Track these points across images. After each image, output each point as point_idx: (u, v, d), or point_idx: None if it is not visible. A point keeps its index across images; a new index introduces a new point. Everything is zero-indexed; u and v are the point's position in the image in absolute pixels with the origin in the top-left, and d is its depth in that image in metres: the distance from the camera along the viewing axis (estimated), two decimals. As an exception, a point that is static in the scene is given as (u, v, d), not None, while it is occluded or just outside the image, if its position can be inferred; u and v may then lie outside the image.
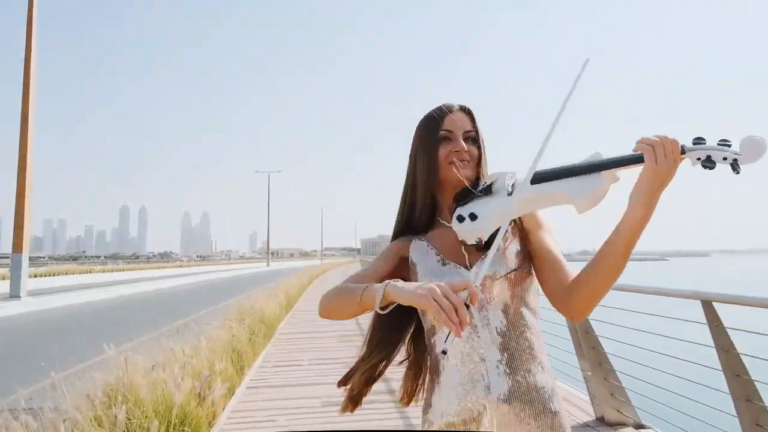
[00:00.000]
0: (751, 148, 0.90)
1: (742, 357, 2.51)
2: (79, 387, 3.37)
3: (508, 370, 1.09)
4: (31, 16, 15.85)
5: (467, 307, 0.89)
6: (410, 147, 1.27)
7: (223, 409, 4.33)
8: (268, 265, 65.81)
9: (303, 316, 11.31)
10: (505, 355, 1.09)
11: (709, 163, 0.92)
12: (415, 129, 1.26)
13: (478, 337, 1.11)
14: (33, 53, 15.84)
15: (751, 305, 2.36)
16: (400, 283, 1.02)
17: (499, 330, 1.10)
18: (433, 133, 1.20)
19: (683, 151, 0.94)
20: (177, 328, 6.37)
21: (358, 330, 8.48)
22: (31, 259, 21.08)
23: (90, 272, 41.43)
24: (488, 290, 1.11)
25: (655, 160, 0.93)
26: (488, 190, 1.14)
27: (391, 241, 1.30)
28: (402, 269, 1.24)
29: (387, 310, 1.03)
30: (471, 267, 1.15)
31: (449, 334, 0.89)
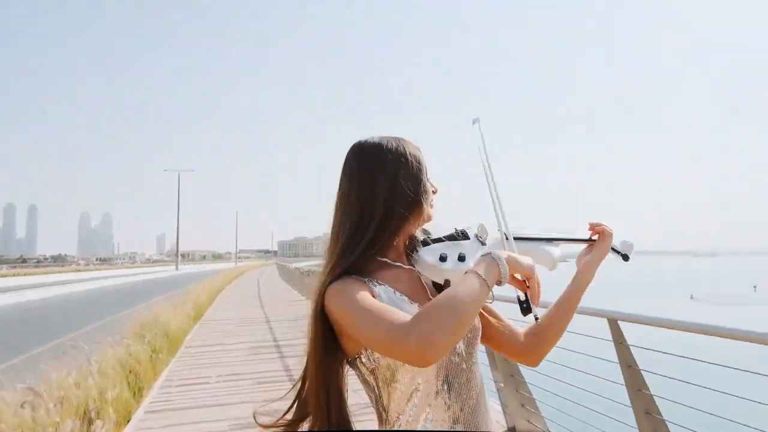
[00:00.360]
0: (629, 248, 1.24)
1: (643, 373, 2.63)
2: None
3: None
4: None
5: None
6: (379, 164, 1.11)
7: (116, 440, 3.89)
8: (177, 268, 62.29)
9: (213, 326, 10.72)
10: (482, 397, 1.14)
11: (626, 258, 1.25)
12: (390, 147, 1.12)
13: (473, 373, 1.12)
14: None
15: (652, 324, 2.48)
16: (504, 253, 1.03)
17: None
18: (420, 164, 1.14)
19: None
20: (63, 347, 5.70)
21: (270, 339, 8.15)
22: None
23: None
24: (465, 341, 1.11)
25: (607, 245, 1.22)
26: (464, 236, 1.18)
27: (337, 277, 1.06)
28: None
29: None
30: None
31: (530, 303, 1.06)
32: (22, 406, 2.90)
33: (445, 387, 1.06)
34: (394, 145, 1.13)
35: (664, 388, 2.67)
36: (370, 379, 1.07)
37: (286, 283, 24.18)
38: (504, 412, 4.08)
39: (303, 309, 11.82)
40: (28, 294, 22.09)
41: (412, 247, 1.17)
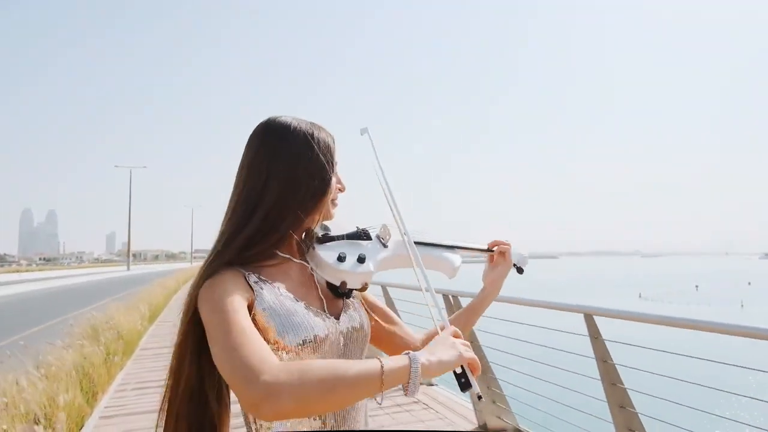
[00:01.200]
0: (524, 261, 1.30)
1: (617, 367, 2.66)
2: None
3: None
4: None
5: None
6: (282, 146, 1.00)
7: (68, 448, 3.65)
8: (128, 268, 59.86)
9: (169, 327, 10.33)
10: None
11: (520, 271, 1.30)
12: (298, 129, 1.02)
13: None
14: None
15: (627, 319, 2.51)
16: (426, 352, 0.86)
17: None
18: (330, 156, 1.04)
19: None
20: (7, 350, 5.33)
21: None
22: None
23: None
24: (354, 343, 1.04)
25: (510, 262, 1.26)
26: (366, 236, 1.12)
27: (216, 269, 0.94)
28: None
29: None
30: (333, 315, 1.02)
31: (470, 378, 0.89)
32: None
33: None
34: (305, 128, 1.02)
35: (636, 381, 2.71)
36: None
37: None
38: (474, 409, 4.08)
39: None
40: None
41: (309, 241, 1.07)
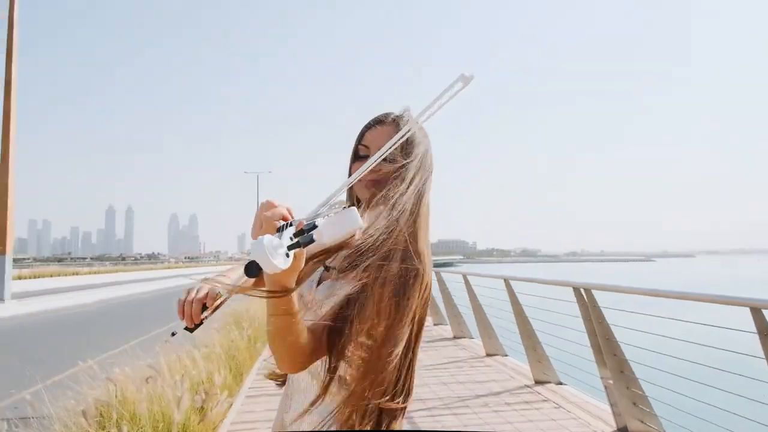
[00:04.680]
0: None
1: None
2: (65, 401, 3.12)
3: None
4: (12, 13, 15.46)
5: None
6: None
7: (222, 421, 4.09)
8: (257, 266, 64.92)
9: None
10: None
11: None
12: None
13: None
14: (14, 49, 15.43)
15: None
16: None
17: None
18: (355, 146, 1.14)
19: None
20: (169, 333, 6.09)
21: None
22: (15, 260, 20.53)
23: (77, 274, 40.66)
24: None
25: None
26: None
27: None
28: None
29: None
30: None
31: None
32: (147, 381, 3.11)
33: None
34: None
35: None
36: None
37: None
38: (613, 411, 3.83)
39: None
40: (132, 288, 24.03)
41: None
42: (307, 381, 1.05)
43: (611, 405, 3.83)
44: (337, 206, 0.92)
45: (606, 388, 3.85)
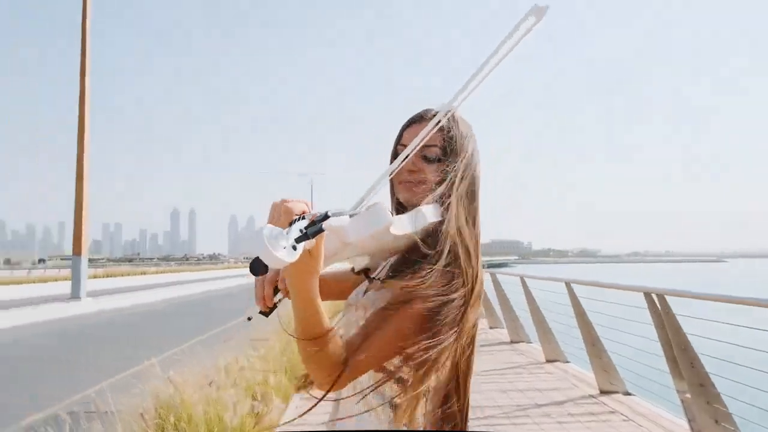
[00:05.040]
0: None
1: None
2: (128, 398, 3.22)
3: None
4: (84, 22, 16.45)
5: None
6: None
7: (276, 428, 4.11)
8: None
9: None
10: None
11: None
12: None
13: None
14: (87, 61, 16.43)
15: None
16: None
17: None
18: (394, 146, 1.07)
19: None
20: (229, 332, 6.24)
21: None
22: (90, 261, 22.00)
23: (144, 273, 42.97)
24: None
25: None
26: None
27: None
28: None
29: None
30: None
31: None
32: (209, 385, 3.16)
33: None
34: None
35: None
36: None
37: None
38: (691, 428, 3.52)
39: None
40: (195, 287, 25.07)
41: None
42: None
43: (689, 420, 3.52)
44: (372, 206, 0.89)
45: (683, 401, 3.55)
